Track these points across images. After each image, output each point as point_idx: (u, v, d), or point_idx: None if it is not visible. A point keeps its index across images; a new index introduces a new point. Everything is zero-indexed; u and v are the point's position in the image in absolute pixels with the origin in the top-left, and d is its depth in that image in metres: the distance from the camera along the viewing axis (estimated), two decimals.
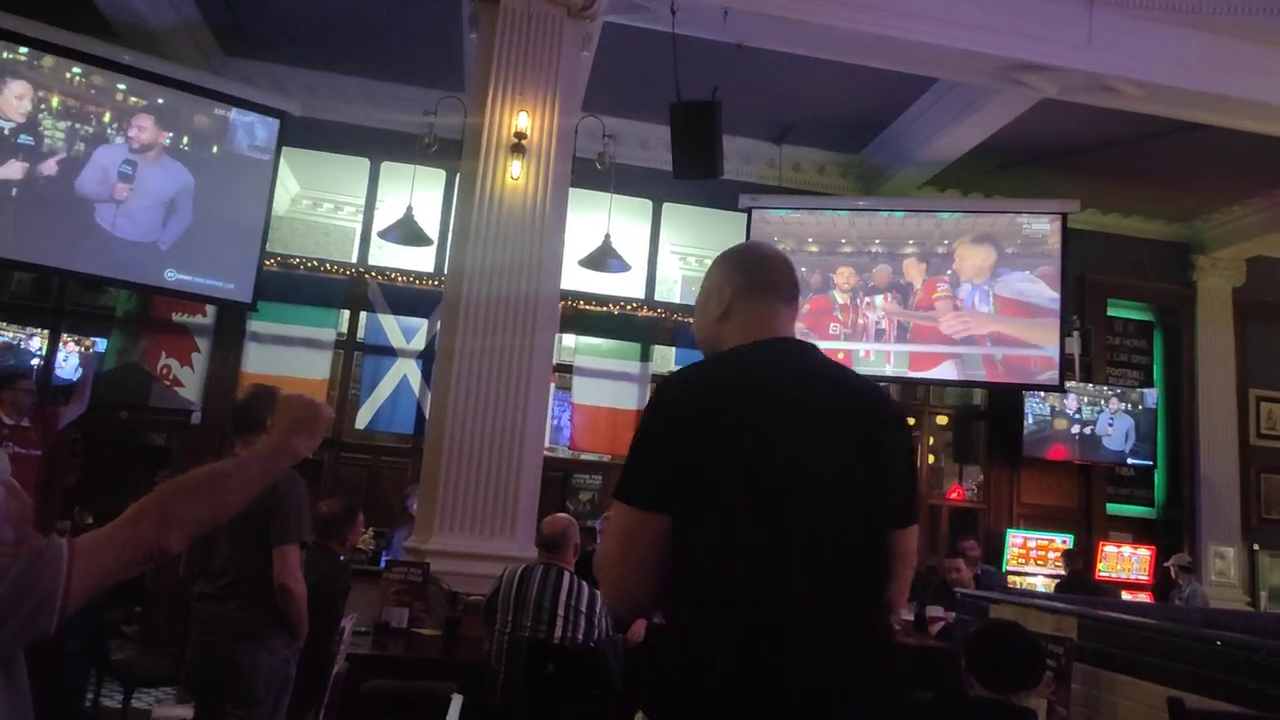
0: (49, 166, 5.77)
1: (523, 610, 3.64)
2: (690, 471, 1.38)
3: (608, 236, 6.39)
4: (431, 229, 6.74)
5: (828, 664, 1.37)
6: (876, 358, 7.21)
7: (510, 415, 4.78)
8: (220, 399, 6.74)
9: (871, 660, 1.42)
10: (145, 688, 4.93)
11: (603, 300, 7.55)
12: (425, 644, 4.16)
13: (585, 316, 7.49)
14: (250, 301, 6.41)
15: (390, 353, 7.15)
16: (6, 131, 5.65)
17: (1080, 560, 7.38)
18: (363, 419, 7.09)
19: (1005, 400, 8.01)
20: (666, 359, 7.71)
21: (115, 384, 6.55)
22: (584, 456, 8.09)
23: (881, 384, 8.59)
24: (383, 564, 5.47)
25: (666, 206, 7.90)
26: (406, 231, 6.23)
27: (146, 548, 1.31)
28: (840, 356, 7.22)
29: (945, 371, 7.12)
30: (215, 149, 6.27)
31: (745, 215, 7.43)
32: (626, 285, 7.72)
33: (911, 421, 9.09)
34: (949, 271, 7.21)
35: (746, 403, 1.42)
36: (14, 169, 5.66)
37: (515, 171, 4.97)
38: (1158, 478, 8.54)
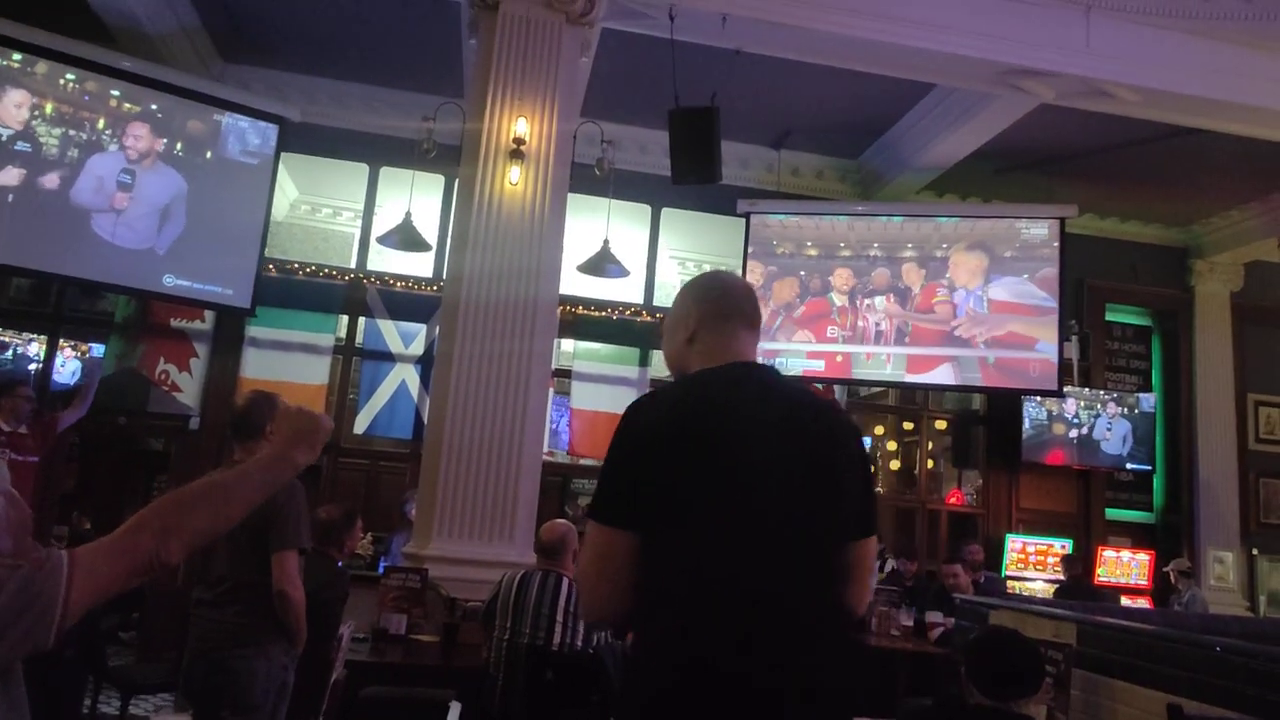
0: (47, 173, 5.77)
1: (521, 616, 3.63)
2: (659, 489, 1.46)
3: (606, 242, 6.40)
4: (430, 234, 6.74)
5: (791, 666, 1.44)
6: (875, 360, 7.21)
7: (509, 420, 4.78)
8: (219, 404, 6.74)
9: (832, 661, 1.50)
10: (142, 694, 4.91)
11: (601, 305, 7.56)
12: (424, 650, 4.15)
13: (584, 321, 7.49)
14: (249, 307, 6.40)
15: (389, 358, 7.15)
16: (4, 138, 5.65)
17: (1079, 565, 7.38)
18: (361, 424, 7.09)
19: (1004, 405, 8.02)
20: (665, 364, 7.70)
21: (114, 389, 6.54)
22: (583, 461, 8.07)
23: (880, 389, 8.64)
24: (381, 570, 5.46)
25: (665, 211, 7.91)
26: (405, 237, 6.23)
27: (146, 559, 1.31)
28: (839, 360, 7.23)
29: (943, 374, 7.12)
30: (209, 154, 6.26)
31: (744, 220, 7.44)
32: (625, 290, 7.72)
33: (910, 426, 9.11)
34: (946, 276, 7.22)
35: (711, 423, 1.52)
36: (11, 175, 5.66)
37: (514, 177, 4.98)
38: (1156, 482, 8.54)
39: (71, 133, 5.85)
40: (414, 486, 5.75)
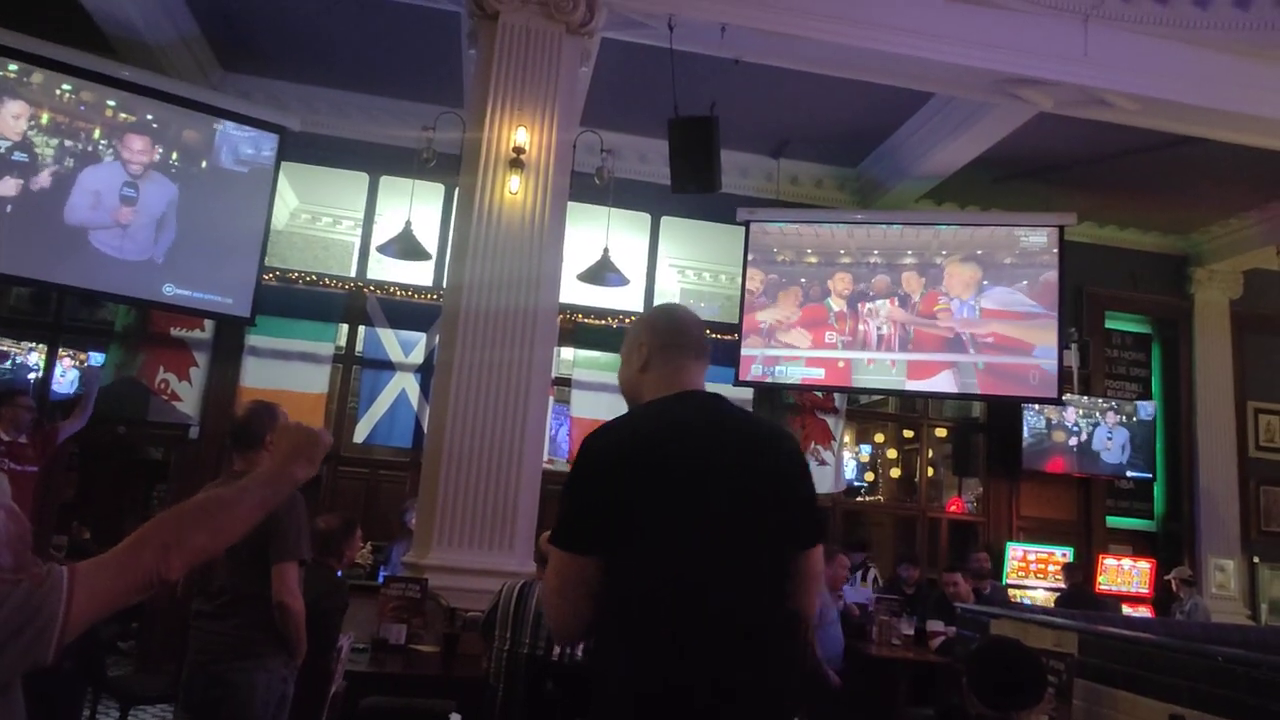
0: (44, 183, 5.77)
1: (521, 627, 3.62)
2: (616, 514, 1.59)
3: (606, 250, 6.40)
4: (430, 243, 6.74)
5: (739, 670, 1.57)
6: (877, 366, 7.20)
7: (509, 429, 4.78)
8: (218, 414, 6.73)
9: (778, 663, 1.63)
10: (141, 705, 4.90)
11: (601, 314, 7.56)
12: (424, 661, 4.13)
13: (584, 330, 7.50)
14: (249, 316, 6.40)
15: (389, 366, 7.15)
16: (2, 150, 5.66)
17: (1080, 573, 7.37)
18: (361, 433, 7.08)
19: (1004, 413, 8.02)
20: None
21: (113, 398, 6.54)
22: None
23: (880, 396, 8.63)
24: (381, 579, 5.44)
25: (665, 220, 7.92)
26: (405, 246, 6.23)
27: (147, 575, 1.31)
28: (841, 366, 7.22)
29: (944, 381, 7.11)
30: (204, 163, 6.26)
31: (743, 228, 7.45)
32: (625, 299, 7.73)
33: (910, 434, 9.11)
34: (943, 285, 7.23)
35: (665, 449, 1.65)
36: (10, 186, 5.66)
37: (514, 186, 4.99)
38: (1157, 490, 8.53)
39: (68, 143, 5.85)
40: (414, 495, 5.74)
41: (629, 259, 7.23)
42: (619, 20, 5.38)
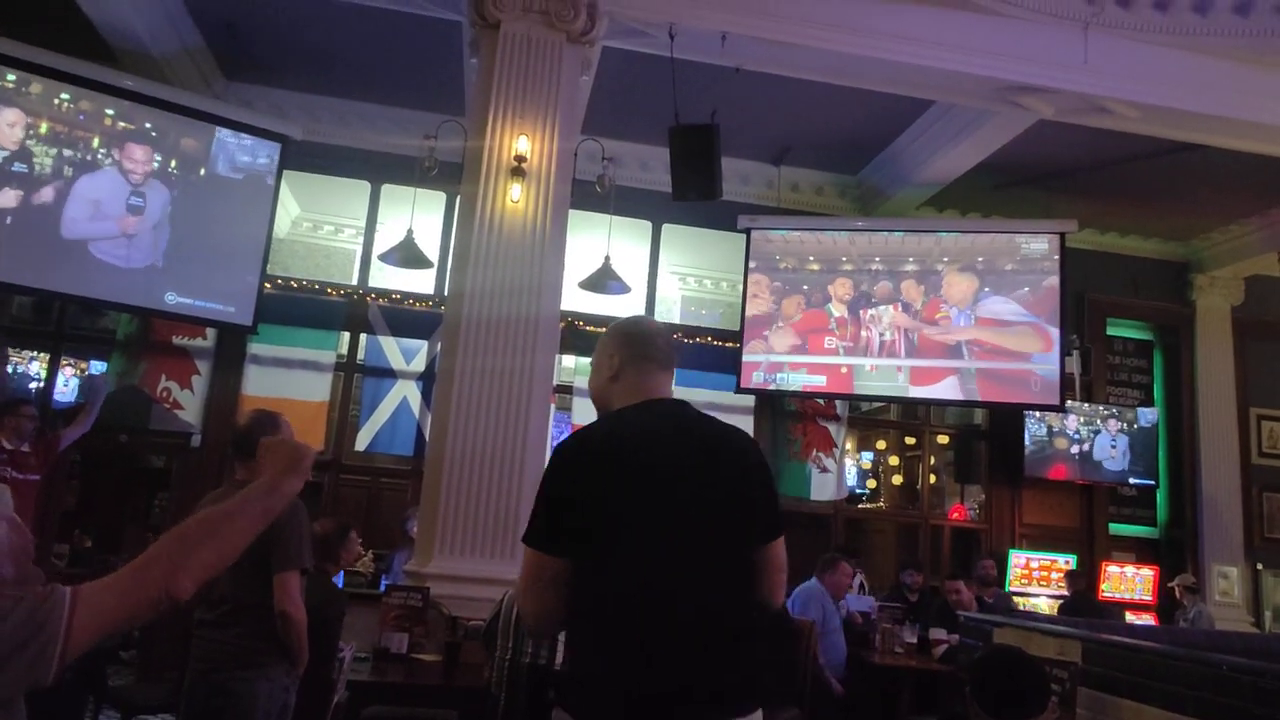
0: (44, 193, 5.78)
1: (523, 636, 3.61)
2: (585, 515, 1.68)
3: (607, 258, 6.41)
4: (432, 251, 6.76)
5: (710, 666, 1.66)
6: (881, 372, 7.19)
7: (511, 436, 4.77)
8: (220, 422, 6.74)
9: (744, 651, 1.72)
10: (143, 715, 4.88)
11: (602, 321, 7.55)
12: (425, 670, 4.12)
13: (585, 337, 7.50)
14: (251, 324, 6.41)
15: (390, 374, 7.15)
16: (0, 160, 5.67)
17: (1083, 581, 7.36)
18: (362, 441, 7.08)
19: (1006, 420, 8.01)
20: None
21: (115, 407, 6.54)
22: None
23: (881, 404, 8.63)
24: (382, 588, 5.43)
25: (666, 227, 7.93)
26: (407, 254, 6.24)
27: (155, 596, 1.31)
28: (843, 372, 7.21)
29: (948, 387, 7.10)
30: (203, 171, 6.28)
31: (744, 235, 7.46)
32: (626, 306, 7.72)
33: (912, 441, 9.10)
34: (942, 292, 7.23)
35: (632, 454, 1.75)
36: (9, 197, 5.67)
37: (515, 194, 5.00)
38: (1160, 497, 8.51)
39: (67, 152, 5.86)
40: (415, 504, 5.74)
41: (630, 266, 7.23)
42: (620, 29, 5.39)
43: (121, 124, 6.04)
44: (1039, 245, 7.14)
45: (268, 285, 6.62)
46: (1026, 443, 7.81)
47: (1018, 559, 7.82)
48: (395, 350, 7.19)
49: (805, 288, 7.37)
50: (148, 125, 6.11)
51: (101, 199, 5.94)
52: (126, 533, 7.84)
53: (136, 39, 6.14)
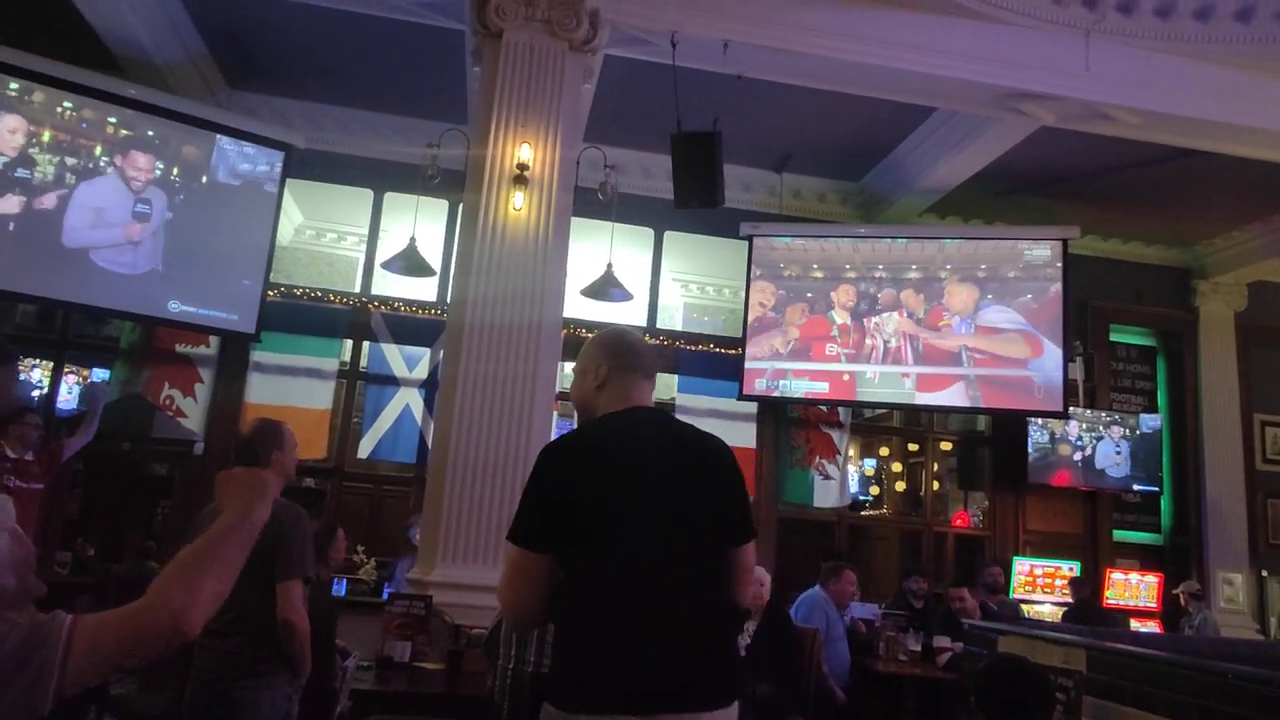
0: (46, 200, 5.79)
1: (525, 644, 3.60)
2: (567, 515, 1.76)
3: (610, 265, 6.41)
4: (434, 259, 6.76)
5: (687, 661, 1.73)
6: (884, 379, 7.18)
7: (513, 444, 4.77)
8: (223, 430, 6.74)
9: (722, 649, 1.82)
10: None
11: (606, 329, 7.56)
12: (428, 679, 4.11)
13: None
14: (254, 332, 6.42)
15: (393, 382, 7.15)
16: (1, 166, 5.69)
17: (1087, 588, 7.33)
18: (365, 448, 7.08)
19: (1009, 426, 7.99)
20: (668, 386, 7.70)
21: (118, 415, 6.54)
22: None
23: (885, 410, 8.61)
24: (385, 596, 5.43)
25: (668, 235, 7.94)
26: (409, 262, 6.24)
27: (162, 632, 1.28)
28: (846, 379, 7.20)
29: (954, 394, 7.09)
30: (204, 178, 6.29)
31: (746, 243, 7.46)
32: (629, 314, 7.73)
33: (915, 448, 9.08)
34: (943, 300, 7.23)
35: (615, 458, 1.84)
36: (12, 204, 5.69)
37: (518, 202, 5.01)
38: (1164, 504, 8.49)
39: (69, 160, 5.87)
40: (418, 511, 5.73)
41: (632, 274, 7.23)
42: (622, 37, 5.41)
43: (124, 131, 6.05)
44: (1041, 252, 7.14)
45: (271, 293, 6.63)
46: (1030, 449, 7.80)
47: (1021, 566, 7.80)
48: (398, 358, 7.19)
49: (809, 295, 7.37)
50: (150, 133, 6.12)
51: (103, 206, 5.95)
52: (129, 541, 7.84)
53: (140, 48, 6.17)
